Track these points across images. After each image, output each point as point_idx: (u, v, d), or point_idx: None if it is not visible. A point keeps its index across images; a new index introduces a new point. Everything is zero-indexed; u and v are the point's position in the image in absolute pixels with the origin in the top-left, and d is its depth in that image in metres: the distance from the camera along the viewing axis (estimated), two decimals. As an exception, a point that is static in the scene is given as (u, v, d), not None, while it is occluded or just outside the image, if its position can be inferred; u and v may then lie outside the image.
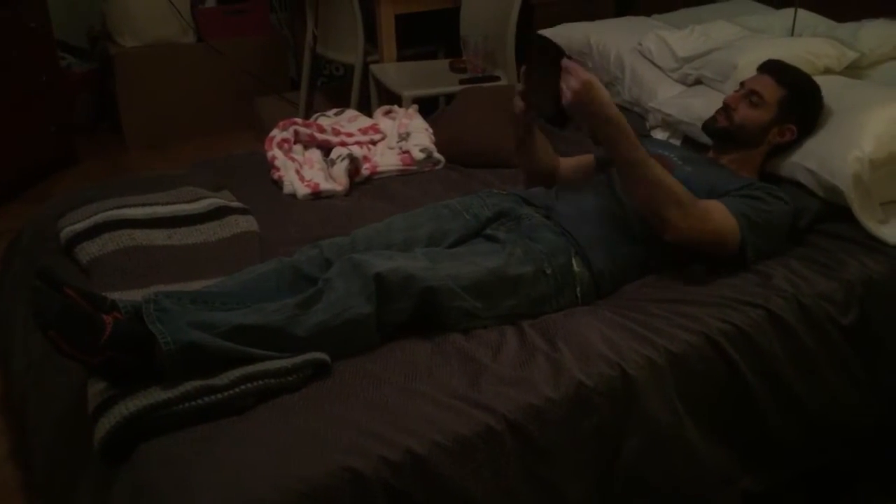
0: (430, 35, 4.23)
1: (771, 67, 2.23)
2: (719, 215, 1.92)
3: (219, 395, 1.53)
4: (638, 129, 2.71)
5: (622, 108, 2.86)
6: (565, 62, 1.84)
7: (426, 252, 1.89)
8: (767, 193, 2.02)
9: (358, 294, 1.70)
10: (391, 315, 1.74)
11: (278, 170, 2.54)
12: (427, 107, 3.14)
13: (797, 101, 2.18)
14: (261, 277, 1.83)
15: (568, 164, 2.34)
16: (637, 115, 2.83)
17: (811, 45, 2.54)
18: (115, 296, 1.85)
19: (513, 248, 1.92)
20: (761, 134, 2.17)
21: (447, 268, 1.80)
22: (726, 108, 2.19)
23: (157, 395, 1.51)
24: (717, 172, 2.13)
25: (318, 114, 2.87)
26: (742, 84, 2.24)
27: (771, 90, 2.16)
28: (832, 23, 2.86)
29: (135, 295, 1.85)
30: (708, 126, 2.24)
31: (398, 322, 1.76)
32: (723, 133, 2.20)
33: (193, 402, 1.52)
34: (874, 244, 2.07)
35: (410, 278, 1.73)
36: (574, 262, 1.94)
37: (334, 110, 2.90)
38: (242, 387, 1.55)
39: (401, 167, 2.63)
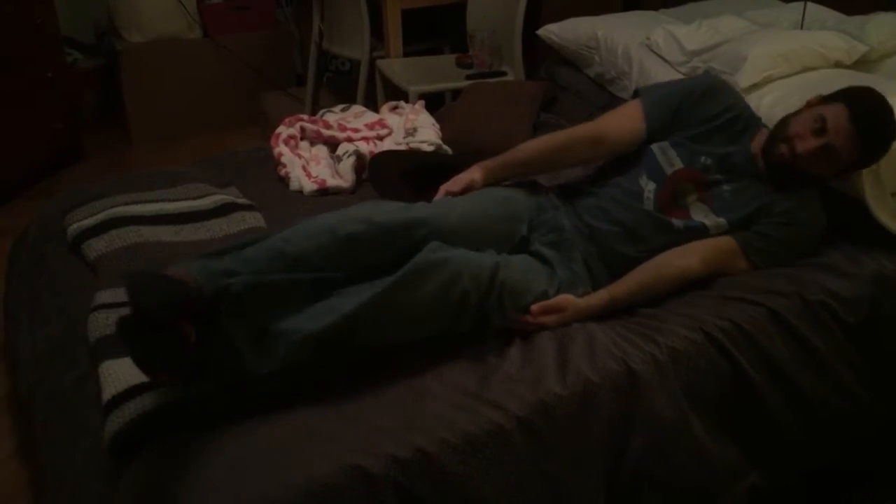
0: (437, 30, 4.22)
1: (858, 119, 1.89)
2: (730, 265, 1.96)
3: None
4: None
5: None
6: (510, 318, 1.79)
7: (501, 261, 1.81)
8: (806, 222, 2.00)
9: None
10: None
11: (284, 166, 2.54)
12: (433, 102, 3.13)
13: (875, 153, 1.96)
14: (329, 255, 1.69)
15: (616, 129, 2.08)
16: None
17: (822, 38, 2.53)
18: (123, 292, 1.85)
19: (561, 275, 1.90)
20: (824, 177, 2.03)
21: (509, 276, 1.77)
22: (796, 155, 1.94)
23: (170, 394, 1.51)
24: (761, 194, 1.99)
25: (324, 109, 2.87)
26: (820, 118, 1.92)
27: (851, 147, 1.91)
28: (841, 16, 2.85)
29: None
30: (770, 159, 2.00)
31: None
32: (782, 169, 1.98)
33: (206, 402, 1.52)
34: (887, 239, 2.05)
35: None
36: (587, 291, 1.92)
37: (340, 106, 2.89)
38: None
39: (407, 163, 2.62)
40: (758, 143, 2.04)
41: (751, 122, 2.09)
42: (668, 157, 2.03)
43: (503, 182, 2.09)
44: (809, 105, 2.01)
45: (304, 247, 1.63)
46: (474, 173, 2.04)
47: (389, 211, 1.74)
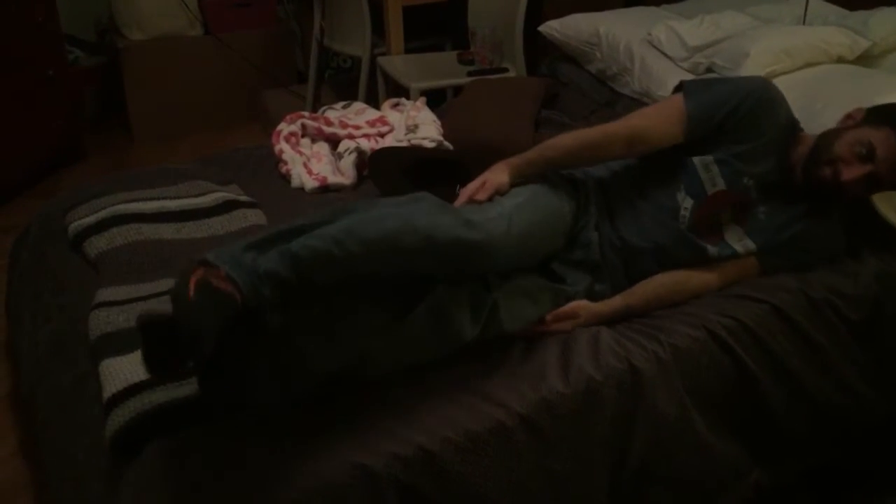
0: (438, 27, 4.21)
1: None
2: (745, 279, 1.93)
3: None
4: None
5: (632, 100, 2.88)
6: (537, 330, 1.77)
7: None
8: (829, 248, 1.98)
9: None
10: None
11: (286, 163, 2.53)
12: (435, 99, 3.12)
13: None
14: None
15: (655, 130, 1.91)
16: (646, 105, 2.81)
17: (824, 33, 2.53)
18: (125, 289, 1.85)
19: (573, 291, 1.85)
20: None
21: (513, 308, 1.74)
22: (840, 182, 1.83)
23: (173, 392, 1.52)
24: (794, 220, 1.93)
25: (326, 107, 2.86)
26: (867, 144, 1.81)
27: (895, 173, 1.83)
28: (843, 11, 2.85)
29: (143, 289, 1.85)
30: (810, 177, 1.89)
31: None
32: (821, 188, 1.88)
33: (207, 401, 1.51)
34: (891, 236, 2.04)
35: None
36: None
37: (342, 103, 2.89)
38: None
39: (409, 160, 2.61)
40: (797, 153, 1.92)
41: (793, 130, 1.97)
42: (710, 174, 1.90)
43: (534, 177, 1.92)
44: (850, 120, 1.91)
45: (355, 254, 1.51)
46: (501, 176, 1.87)
47: (450, 226, 1.60)
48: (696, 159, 1.90)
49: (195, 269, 1.42)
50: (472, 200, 1.83)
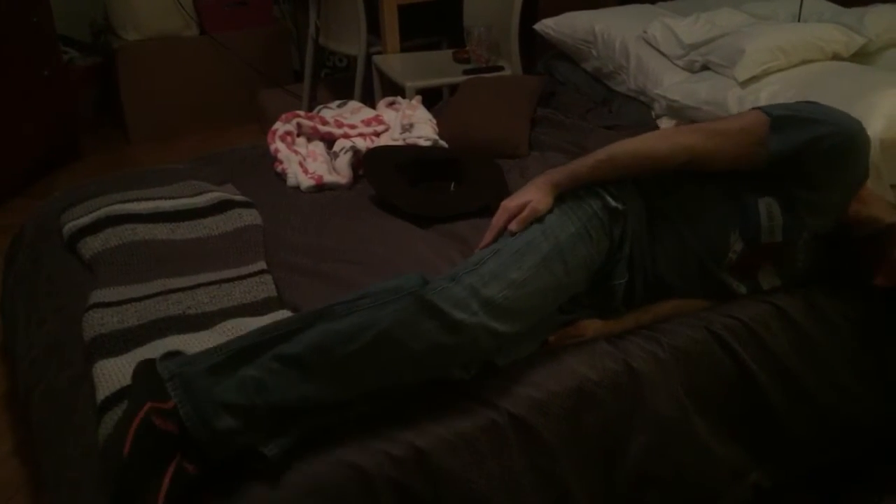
0: (433, 25, 4.21)
1: None
2: None
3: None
4: (650, 123, 2.68)
5: (627, 98, 2.88)
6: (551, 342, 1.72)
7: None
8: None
9: None
10: None
11: (281, 163, 2.53)
12: (430, 98, 3.12)
13: None
14: None
15: (726, 162, 1.74)
16: (642, 103, 2.81)
17: (819, 30, 2.52)
18: (120, 290, 1.85)
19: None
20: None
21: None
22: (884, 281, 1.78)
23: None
24: (825, 270, 1.91)
25: (321, 106, 2.86)
26: None
27: None
28: (838, 8, 2.85)
29: (138, 290, 1.84)
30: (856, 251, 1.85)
31: None
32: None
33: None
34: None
35: None
36: None
37: (337, 102, 2.88)
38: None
39: (404, 159, 2.61)
40: (852, 208, 1.82)
41: (863, 182, 1.81)
42: (772, 225, 1.75)
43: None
44: None
45: (326, 375, 1.44)
46: (545, 202, 1.68)
47: (431, 332, 1.47)
48: (761, 204, 1.75)
49: (143, 405, 1.36)
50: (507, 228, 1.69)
